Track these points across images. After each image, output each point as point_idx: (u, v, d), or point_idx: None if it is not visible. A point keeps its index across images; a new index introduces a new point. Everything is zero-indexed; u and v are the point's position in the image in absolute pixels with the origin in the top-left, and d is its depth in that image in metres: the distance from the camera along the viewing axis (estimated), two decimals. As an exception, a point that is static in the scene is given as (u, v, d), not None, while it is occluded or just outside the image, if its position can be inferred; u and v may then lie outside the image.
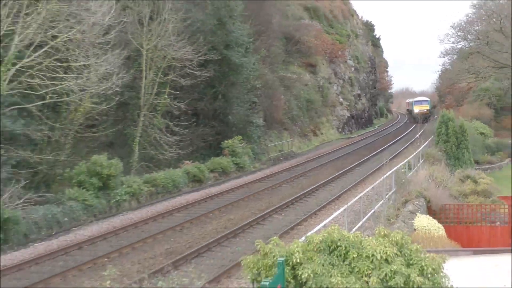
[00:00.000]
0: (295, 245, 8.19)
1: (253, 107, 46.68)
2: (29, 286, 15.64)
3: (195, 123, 40.83)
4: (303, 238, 9.25)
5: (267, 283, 6.97)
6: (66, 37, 24.61)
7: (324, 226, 12.93)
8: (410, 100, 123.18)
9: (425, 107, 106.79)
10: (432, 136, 47.42)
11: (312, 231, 11.21)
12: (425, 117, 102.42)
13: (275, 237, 8.91)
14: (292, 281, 7.75)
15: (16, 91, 23.41)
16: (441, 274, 7.83)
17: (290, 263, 7.86)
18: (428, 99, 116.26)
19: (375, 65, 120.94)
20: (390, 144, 63.00)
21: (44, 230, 22.41)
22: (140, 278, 6.48)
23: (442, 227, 21.59)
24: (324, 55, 78.46)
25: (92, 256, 18.85)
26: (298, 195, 30.22)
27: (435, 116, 79.61)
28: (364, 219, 20.56)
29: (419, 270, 7.66)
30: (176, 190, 32.31)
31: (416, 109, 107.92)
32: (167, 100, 35.82)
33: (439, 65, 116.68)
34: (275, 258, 7.89)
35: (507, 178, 46.94)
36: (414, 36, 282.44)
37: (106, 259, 18.45)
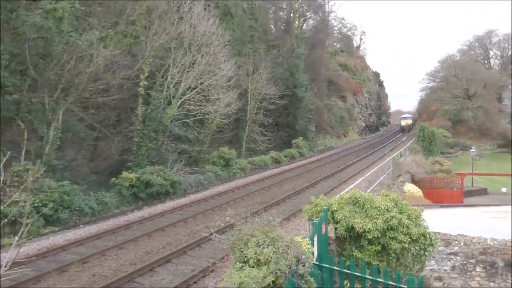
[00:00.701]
0: (333, 200, 8.00)
1: (309, 120, 46.31)
2: (185, 218, 16.06)
3: (276, 130, 41.15)
4: (338, 195, 9.02)
5: (317, 221, 6.84)
6: (208, 83, 25.11)
7: (350, 189, 12.60)
8: (401, 116, 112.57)
9: (409, 121, 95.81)
10: (414, 138, 45.97)
11: (343, 192, 10.96)
12: (409, 128, 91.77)
13: (321, 195, 8.73)
14: (331, 220, 7.58)
15: (181, 112, 24.10)
16: (421, 218, 7.46)
17: (330, 210, 7.67)
18: (411, 116, 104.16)
19: (380, 96, 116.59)
20: (389, 142, 61.08)
21: (194, 188, 22.99)
22: (245, 216, 6.52)
23: (421, 191, 20.63)
24: (350, 91, 77.05)
25: (219, 203, 19.16)
26: (335, 170, 29.64)
27: (416, 126, 76.40)
28: (374, 185, 19.96)
29: (407, 216, 7.32)
30: (265, 167, 32.40)
31: (403, 123, 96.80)
32: (261, 117, 36.07)
33: (418, 96, 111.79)
34: (321, 207, 7.73)
35: (460, 162, 45.07)
36: (405, 76, 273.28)
37: (226, 205, 18.67)
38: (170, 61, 23.08)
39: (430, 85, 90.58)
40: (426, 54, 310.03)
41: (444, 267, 7.84)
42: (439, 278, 7.44)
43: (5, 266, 3.25)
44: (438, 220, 12.02)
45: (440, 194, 23.35)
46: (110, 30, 18.51)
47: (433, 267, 7.83)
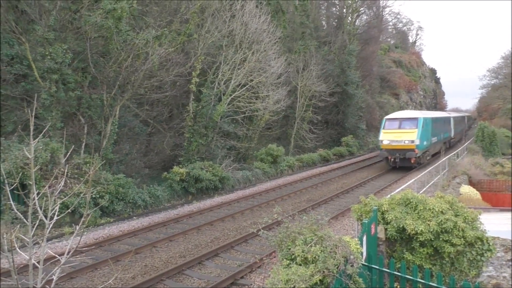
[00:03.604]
0: (384, 200, 7.82)
1: (360, 118, 45.27)
2: (233, 213, 16.26)
3: (325, 127, 40.59)
4: (389, 196, 8.79)
5: (366, 221, 6.72)
6: (258, 80, 25.21)
7: (401, 189, 12.21)
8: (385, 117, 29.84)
9: (410, 135, 25.71)
10: (473, 138, 43.68)
11: (394, 192, 10.65)
12: (403, 161, 26.50)
13: (371, 194, 8.55)
14: (381, 221, 7.41)
15: (230, 109, 24.38)
16: (478, 222, 7.12)
17: (380, 210, 7.50)
18: (418, 116, 26.70)
19: (436, 94, 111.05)
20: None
21: (242, 184, 23.19)
22: (293, 213, 6.50)
23: (479, 193, 19.55)
24: (404, 88, 74.40)
25: (266, 199, 19.20)
26: (385, 169, 28.84)
27: (475, 125, 71.49)
28: (427, 186, 19.17)
29: (463, 219, 7.01)
30: (313, 164, 32.09)
31: (386, 139, 26.60)
32: (310, 114, 35.68)
33: (478, 94, 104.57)
34: (371, 207, 7.58)
35: (523, 165, 42.39)
36: (464, 73, 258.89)
37: (273, 201, 18.71)
38: (221, 58, 23.42)
39: (492, 82, 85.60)
40: (488, 49, 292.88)
41: (504, 274, 7.41)
42: (498, 285, 7.06)
43: (67, 254, 3.48)
44: (498, 225, 11.39)
45: (500, 198, 22.03)
46: (165, 29, 19.08)
47: (491, 274, 7.43)
